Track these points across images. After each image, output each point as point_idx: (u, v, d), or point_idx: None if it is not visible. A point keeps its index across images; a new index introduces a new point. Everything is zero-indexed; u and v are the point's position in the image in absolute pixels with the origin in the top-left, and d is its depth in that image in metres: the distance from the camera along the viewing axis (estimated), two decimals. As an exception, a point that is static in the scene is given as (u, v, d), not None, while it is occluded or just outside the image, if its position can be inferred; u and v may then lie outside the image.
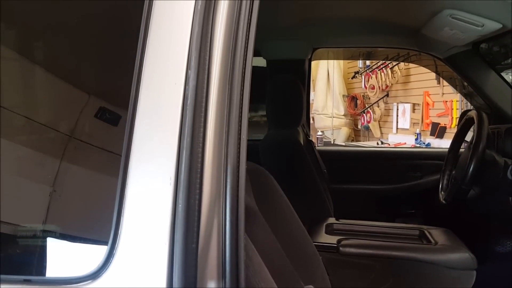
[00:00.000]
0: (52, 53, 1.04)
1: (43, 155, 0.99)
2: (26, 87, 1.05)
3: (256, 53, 1.91)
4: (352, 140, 6.50)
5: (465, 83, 2.14)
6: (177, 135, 0.63)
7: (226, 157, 0.63)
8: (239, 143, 0.64)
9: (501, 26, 1.49)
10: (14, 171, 0.92)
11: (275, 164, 1.77)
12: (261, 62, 2.29)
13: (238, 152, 0.64)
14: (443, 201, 1.79)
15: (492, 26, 1.50)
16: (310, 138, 2.25)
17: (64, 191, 0.94)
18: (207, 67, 0.64)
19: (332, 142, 6.12)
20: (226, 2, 0.67)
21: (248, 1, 0.68)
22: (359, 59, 5.30)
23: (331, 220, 1.84)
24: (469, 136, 1.82)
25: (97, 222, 0.83)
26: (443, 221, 1.84)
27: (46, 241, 0.77)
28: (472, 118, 1.69)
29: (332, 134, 6.41)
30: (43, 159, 0.98)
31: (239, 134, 0.65)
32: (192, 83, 0.63)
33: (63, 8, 0.92)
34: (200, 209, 0.60)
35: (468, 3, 1.43)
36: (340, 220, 1.84)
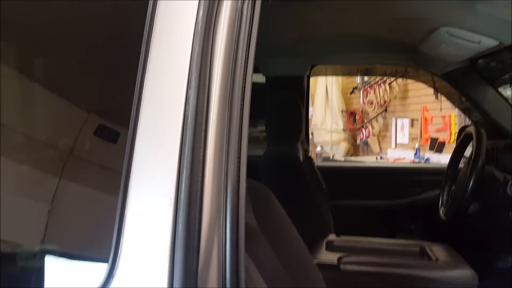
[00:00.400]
0: (52, 71, 1.05)
1: (42, 172, 0.99)
2: (25, 105, 1.06)
3: (255, 70, 1.92)
4: (352, 155, 6.50)
5: (463, 99, 2.15)
6: (177, 154, 0.63)
7: (226, 176, 0.63)
8: (239, 162, 0.64)
9: (497, 43, 1.51)
10: (12, 189, 0.92)
11: (274, 181, 1.77)
12: (260, 78, 2.31)
13: (238, 171, 0.64)
14: (443, 217, 1.78)
15: (489, 43, 1.52)
16: (310, 154, 2.25)
17: (63, 208, 0.94)
18: (207, 86, 0.65)
19: (331, 157, 6.12)
20: (226, 23, 0.68)
21: (248, 21, 0.69)
22: (357, 76, 5.34)
23: (332, 236, 1.83)
24: (468, 151, 1.82)
25: (96, 240, 0.82)
26: (443, 237, 1.83)
27: (44, 260, 0.76)
28: (471, 134, 1.70)
29: (331, 149, 6.42)
30: (42, 177, 0.98)
31: (239, 153, 0.65)
32: (192, 102, 0.64)
33: (63, 26, 0.94)
34: (200, 228, 0.60)
35: (464, 21, 1.45)
36: (341, 236, 1.83)
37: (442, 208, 1.84)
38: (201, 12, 0.66)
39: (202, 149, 0.63)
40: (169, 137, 0.64)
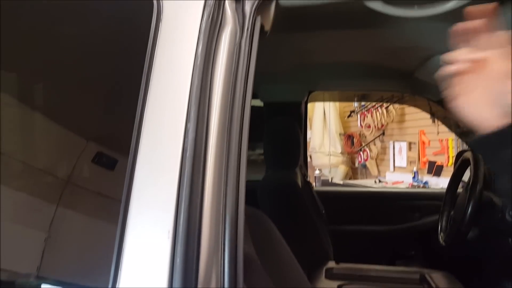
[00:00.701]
0: (52, 99, 1.06)
1: (39, 200, 0.99)
2: (25, 133, 1.06)
3: (253, 96, 1.94)
4: (350, 178, 6.49)
5: (459, 123, 2.17)
6: (176, 186, 0.63)
7: (224, 208, 0.64)
8: (237, 194, 0.65)
9: (492, 70, 1.53)
10: (10, 217, 0.92)
11: (273, 207, 1.77)
12: (259, 101, 2.33)
13: (237, 204, 0.64)
14: (443, 243, 1.77)
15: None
16: (308, 179, 2.26)
17: (59, 236, 0.93)
18: (206, 119, 0.66)
19: (330, 180, 6.11)
20: (225, 57, 0.69)
21: (246, 55, 0.70)
22: (354, 101, 5.38)
23: (331, 264, 1.82)
24: (466, 175, 1.83)
25: (93, 269, 0.82)
26: (443, 263, 1.82)
27: (40, 288, 0.76)
28: (468, 159, 1.70)
29: (329, 172, 6.41)
30: (39, 204, 0.98)
31: (237, 185, 0.65)
32: (191, 135, 0.65)
33: (64, 54, 0.95)
34: (199, 262, 0.60)
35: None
36: (340, 263, 1.82)
37: (442, 233, 1.83)
38: (200, 47, 0.68)
39: (200, 182, 0.64)
40: (168, 169, 0.64)
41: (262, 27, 0.77)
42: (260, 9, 0.75)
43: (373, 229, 2.37)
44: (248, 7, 0.73)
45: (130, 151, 0.67)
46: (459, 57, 0.65)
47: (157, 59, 0.70)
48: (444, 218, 1.86)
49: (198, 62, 0.66)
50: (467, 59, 0.64)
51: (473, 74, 0.64)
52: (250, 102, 0.69)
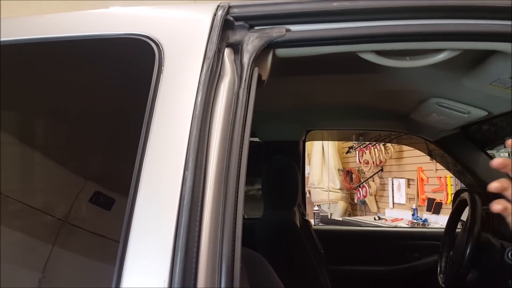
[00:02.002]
0: (52, 139, 1.07)
1: (35, 240, 0.99)
2: (24, 172, 1.07)
3: (252, 134, 1.97)
4: (349, 215, 6.45)
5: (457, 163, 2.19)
6: (172, 235, 0.64)
7: (221, 256, 0.64)
8: (234, 241, 0.65)
9: (486, 113, 1.56)
10: (4, 256, 0.91)
11: (271, 247, 1.75)
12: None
13: (233, 251, 0.65)
14: (442, 285, 1.75)
15: (478, 113, 1.57)
16: (307, 217, 2.25)
17: (54, 277, 0.92)
18: (203, 168, 0.67)
19: (329, 217, 6.06)
20: (223, 107, 0.71)
21: (243, 105, 0.73)
22: (352, 140, 5.42)
23: (329, 305, 1.79)
24: (465, 214, 1.82)
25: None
26: (444, 306, 1.79)
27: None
28: (465, 200, 1.71)
29: (328, 208, 6.38)
30: (35, 244, 0.97)
31: (234, 232, 0.66)
32: (189, 183, 0.66)
33: (64, 95, 0.97)
34: (194, 312, 0.60)
35: (453, 93, 1.50)
36: (338, 305, 1.79)
37: (441, 275, 1.81)
38: (199, 97, 0.70)
39: (197, 229, 0.64)
40: (165, 217, 0.65)
41: (259, 76, 0.80)
42: (257, 60, 0.78)
43: (372, 269, 2.34)
44: (246, 58, 0.75)
45: (129, 197, 0.68)
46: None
47: (157, 107, 0.72)
48: (443, 259, 1.84)
49: (197, 112, 0.69)
50: None
51: None
52: (247, 150, 0.71)
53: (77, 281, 0.91)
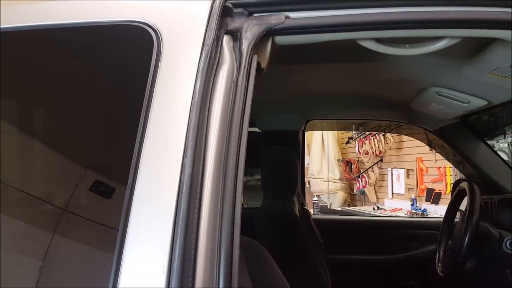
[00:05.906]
0: (51, 127, 1.07)
1: (36, 228, 0.99)
2: (24, 161, 1.07)
3: (251, 124, 1.97)
4: (349, 205, 6.47)
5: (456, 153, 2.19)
6: (171, 221, 0.64)
7: (219, 243, 0.64)
8: (232, 228, 0.66)
9: (486, 103, 1.56)
10: (5, 245, 0.92)
11: (270, 236, 1.76)
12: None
13: (232, 238, 0.65)
14: (441, 273, 1.76)
15: (478, 102, 1.56)
16: (306, 206, 2.25)
17: (55, 265, 0.93)
18: (202, 155, 0.67)
19: (328, 207, 6.08)
20: (222, 94, 0.71)
21: (242, 93, 0.72)
22: (352, 130, 5.42)
23: (328, 294, 1.80)
24: (463, 203, 1.83)
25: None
26: (442, 294, 1.81)
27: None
28: (464, 189, 1.71)
29: (328, 198, 6.39)
30: (36, 233, 0.98)
31: (233, 219, 0.66)
32: (187, 171, 0.66)
33: (64, 83, 0.97)
34: (193, 298, 0.60)
35: (452, 82, 1.50)
36: (337, 294, 1.80)
37: (439, 264, 1.82)
38: (198, 84, 0.70)
39: (196, 216, 0.64)
40: (164, 204, 0.65)
41: (258, 64, 0.79)
42: (257, 47, 0.77)
43: (371, 258, 2.35)
44: (245, 46, 0.75)
45: (128, 184, 0.68)
46: None
47: (156, 95, 0.72)
48: (442, 248, 1.85)
49: (196, 99, 0.68)
50: None
51: None
52: (246, 137, 0.71)
53: (78, 269, 0.91)
